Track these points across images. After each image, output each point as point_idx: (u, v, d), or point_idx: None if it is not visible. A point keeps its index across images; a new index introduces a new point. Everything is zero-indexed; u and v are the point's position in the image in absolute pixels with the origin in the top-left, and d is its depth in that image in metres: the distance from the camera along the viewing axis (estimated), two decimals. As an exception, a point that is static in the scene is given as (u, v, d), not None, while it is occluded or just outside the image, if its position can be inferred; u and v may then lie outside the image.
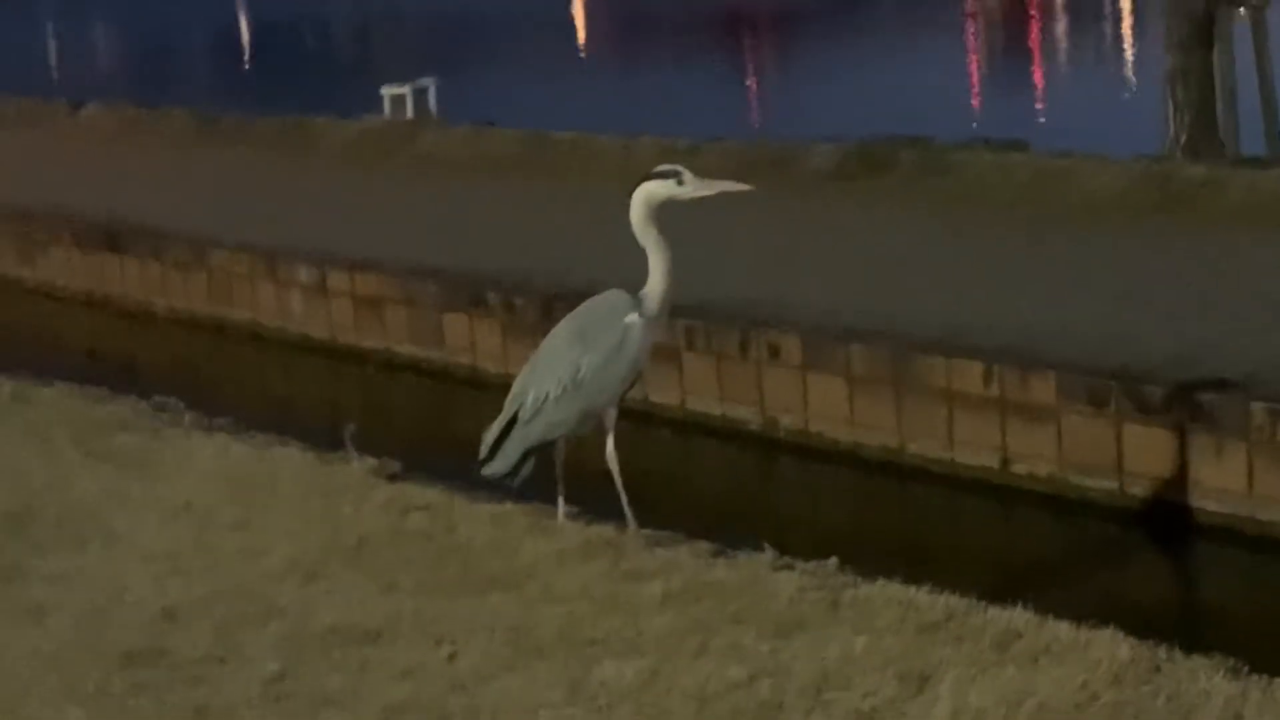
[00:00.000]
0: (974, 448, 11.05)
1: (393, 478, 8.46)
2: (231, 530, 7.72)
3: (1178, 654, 5.63)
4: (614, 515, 7.61)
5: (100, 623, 6.77)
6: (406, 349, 15.11)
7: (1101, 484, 10.44)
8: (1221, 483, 9.89)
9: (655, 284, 7.41)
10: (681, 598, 6.49)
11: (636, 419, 7.46)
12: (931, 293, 12.99)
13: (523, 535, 7.39)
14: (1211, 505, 9.96)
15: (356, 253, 16.29)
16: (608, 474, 7.35)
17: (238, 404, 12.06)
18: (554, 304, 13.73)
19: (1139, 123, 20.42)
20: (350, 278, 15.69)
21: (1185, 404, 10.05)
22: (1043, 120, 28.41)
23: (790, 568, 6.88)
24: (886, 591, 6.40)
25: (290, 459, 8.83)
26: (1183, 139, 17.39)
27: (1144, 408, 10.20)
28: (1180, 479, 10.04)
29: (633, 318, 7.35)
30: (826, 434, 11.91)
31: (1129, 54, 38.94)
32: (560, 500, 7.64)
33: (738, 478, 12.19)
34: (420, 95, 26.80)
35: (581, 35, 54.05)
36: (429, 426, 13.55)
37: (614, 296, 7.48)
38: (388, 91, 26.74)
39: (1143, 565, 10.30)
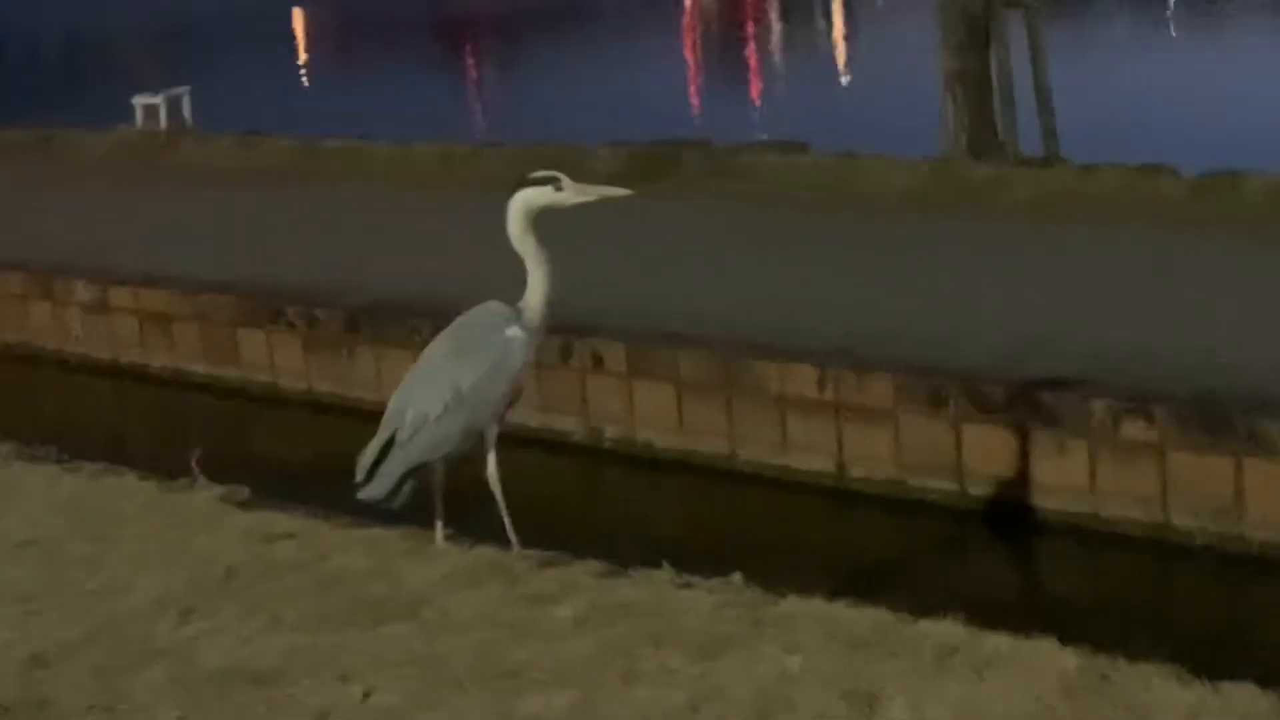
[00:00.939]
0: (809, 452, 10.94)
1: (244, 504, 8.06)
2: (85, 567, 7.26)
3: (1122, 662, 5.54)
4: (490, 536, 7.37)
5: (-38, 674, 6.29)
6: (199, 367, 14.55)
7: (942, 485, 10.40)
8: (1064, 481, 9.92)
9: (535, 295, 7.17)
10: (593, 620, 6.24)
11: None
12: (737, 294, 12.88)
13: (402, 560, 7.07)
14: (1053, 503, 9.99)
15: (132, 269, 15.67)
16: (477, 492, 7.13)
17: (37, 431, 11.41)
18: (358, 318, 13.40)
19: (902, 124, 20.66)
20: (134, 294, 15.06)
21: (1025, 402, 10.06)
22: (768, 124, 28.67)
23: (692, 586, 6.68)
24: (806, 607, 6.23)
25: (130, 488, 8.38)
26: (963, 140, 17.57)
27: (984, 407, 10.19)
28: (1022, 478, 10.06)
29: (513, 330, 7.10)
30: (655, 443, 11.72)
31: (845, 54, 39.72)
32: (438, 523, 7.35)
33: (566, 489, 11.93)
34: (174, 104, 26.08)
35: (302, 45, 53.31)
36: (249, 448, 13.04)
37: (492, 309, 7.21)
38: (140, 101, 25.96)
39: (995, 563, 10.31)
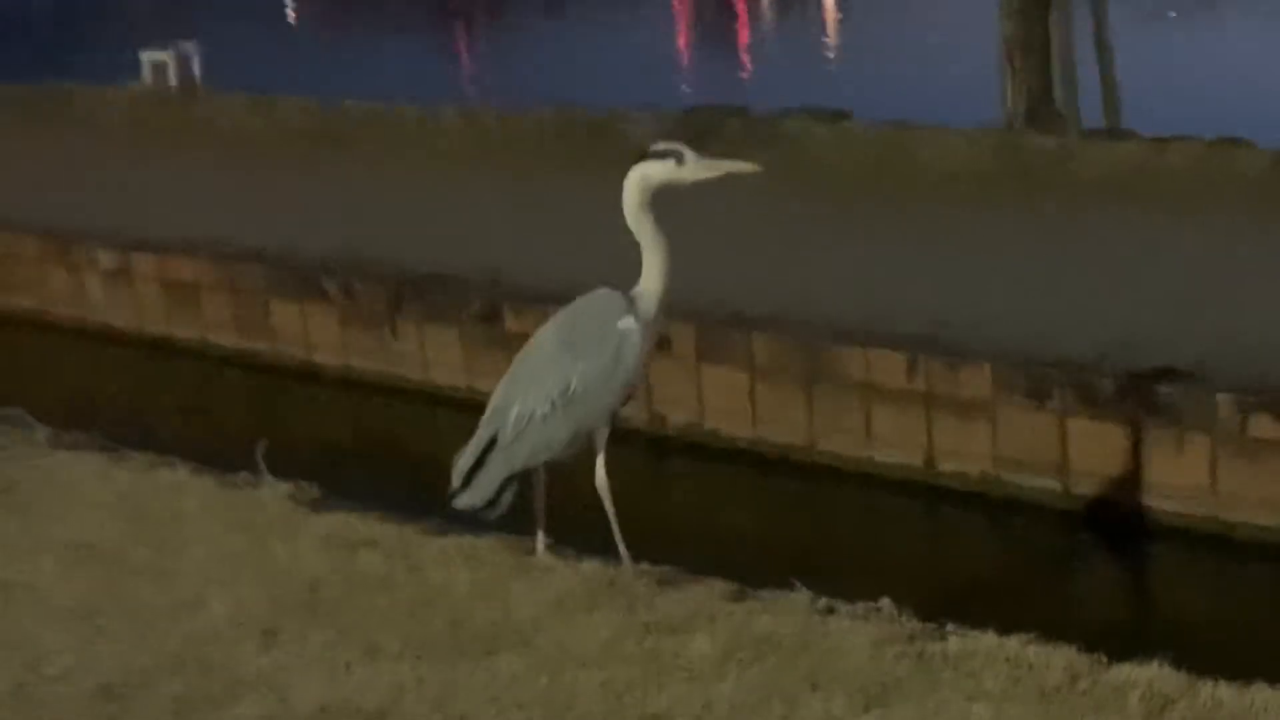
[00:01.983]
0: (895, 447, 10.24)
1: (315, 504, 7.33)
2: (150, 578, 6.53)
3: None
4: (593, 547, 6.67)
5: (23, 706, 5.56)
6: (229, 340, 13.80)
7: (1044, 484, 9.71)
8: (1182, 480, 9.22)
9: (651, 281, 6.43)
10: (736, 657, 5.52)
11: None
12: (801, 275, 12.14)
13: (506, 577, 6.34)
14: (1170, 505, 9.29)
15: (154, 234, 14.91)
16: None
17: (64, 409, 10.66)
18: (403, 292, 12.67)
19: (953, 93, 19.92)
20: (159, 262, 14.30)
21: (1140, 397, 9.35)
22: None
23: (835, 612, 5.96)
24: (979, 644, 5.51)
25: (187, 484, 7.63)
26: (1022, 110, 16.79)
27: (1092, 401, 9.48)
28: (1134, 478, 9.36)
29: (628, 322, 6.37)
30: (723, 432, 11.01)
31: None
32: (540, 533, 6.62)
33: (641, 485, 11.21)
34: (184, 61, 25.19)
35: (291, 6, 52.27)
36: (295, 431, 12.29)
37: (604, 298, 6.47)
38: (148, 57, 25.06)
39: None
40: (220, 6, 43.95)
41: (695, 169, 6.38)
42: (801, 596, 6.05)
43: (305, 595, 6.30)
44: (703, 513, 10.47)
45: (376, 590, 6.30)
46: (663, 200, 6.39)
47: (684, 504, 10.63)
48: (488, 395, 11.52)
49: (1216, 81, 20.89)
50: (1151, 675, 5.14)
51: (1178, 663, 5.20)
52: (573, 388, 6.30)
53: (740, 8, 41.61)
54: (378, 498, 7.79)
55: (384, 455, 11.74)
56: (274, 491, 7.41)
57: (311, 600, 6.25)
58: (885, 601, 5.97)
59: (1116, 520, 9.47)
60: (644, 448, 11.16)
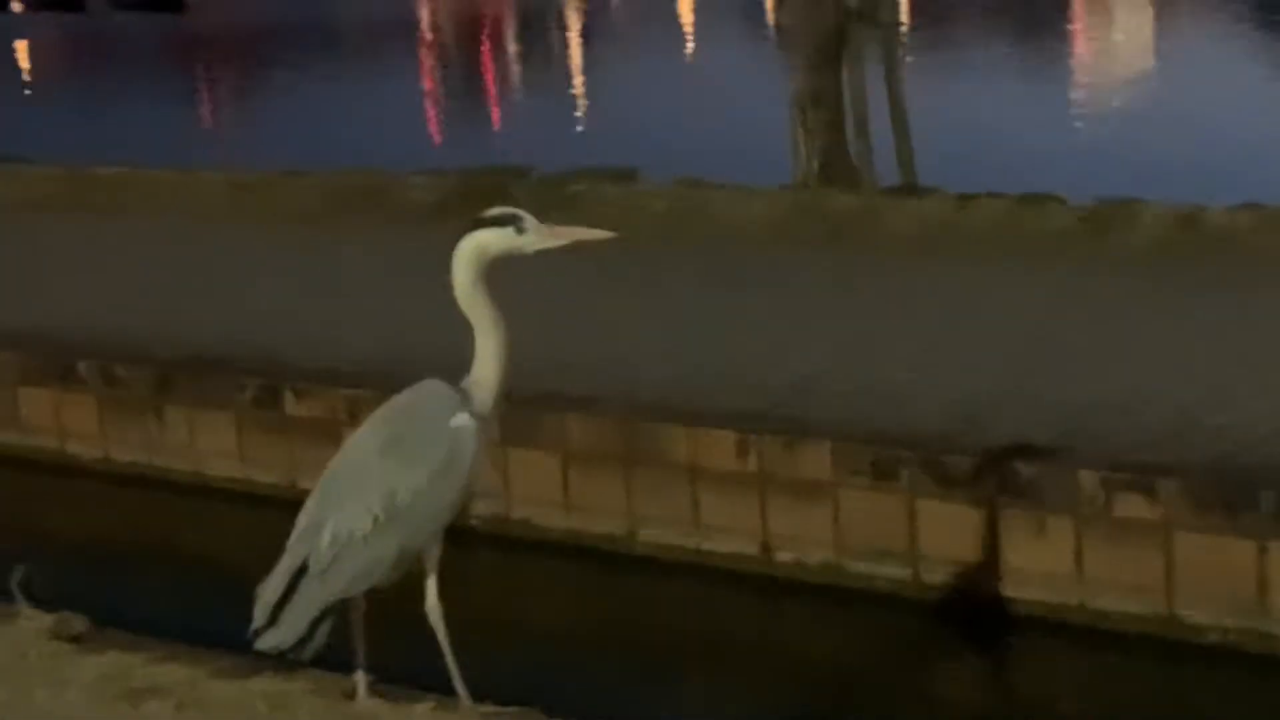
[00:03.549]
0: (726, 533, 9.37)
1: (79, 640, 6.21)
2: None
3: None
4: (421, 678, 5.69)
5: None
6: (-28, 434, 12.48)
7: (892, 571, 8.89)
8: (1044, 565, 8.46)
9: (486, 370, 5.49)
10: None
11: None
12: (602, 344, 11.26)
13: (323, 728, 5.30)
14: (1032, 593, 8.52)
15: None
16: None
17: None
18: (170, 375, 11.50)
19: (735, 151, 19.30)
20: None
21: (995, 476, 8.59)
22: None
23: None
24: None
25: (-73, 619, 6.44)
26: (815, 166, 16.15)
27: (944, 480, 8.70)
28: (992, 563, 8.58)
29: (461, 419, 5.42)
30: (535, 521, 10.05)
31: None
32: (360, 672, 5.60)
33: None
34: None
35: (27, 70, 50.31)
36: (51, 534, 11.02)
37: (432, 391, 5.51)
38: None
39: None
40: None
41: (538, 238, 5.47)
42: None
43: (78, 760, 5.20)
44: (517, 615, 9.48)
45: (166, 751, 5.23)
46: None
47: (494, 605, 9.60)
48: (266, 488, 10.53)
49: (1012, 139, 20.54)
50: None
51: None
52: (399, 500, 5.31)
53: (487, 69, 41.00)
54: (159, 623, 6.71)
55: (159, 563, 10.54)
56: (33, 625, 6.27)
57: (86, 767, 5.16)
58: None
59: (974, 610, 8.69)
60: (446, 543, 10.13)
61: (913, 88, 17.03)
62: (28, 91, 43.12)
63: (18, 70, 47.12)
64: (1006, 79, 29.13)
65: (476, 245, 5.44)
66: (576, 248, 5.63)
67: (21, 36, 53.99)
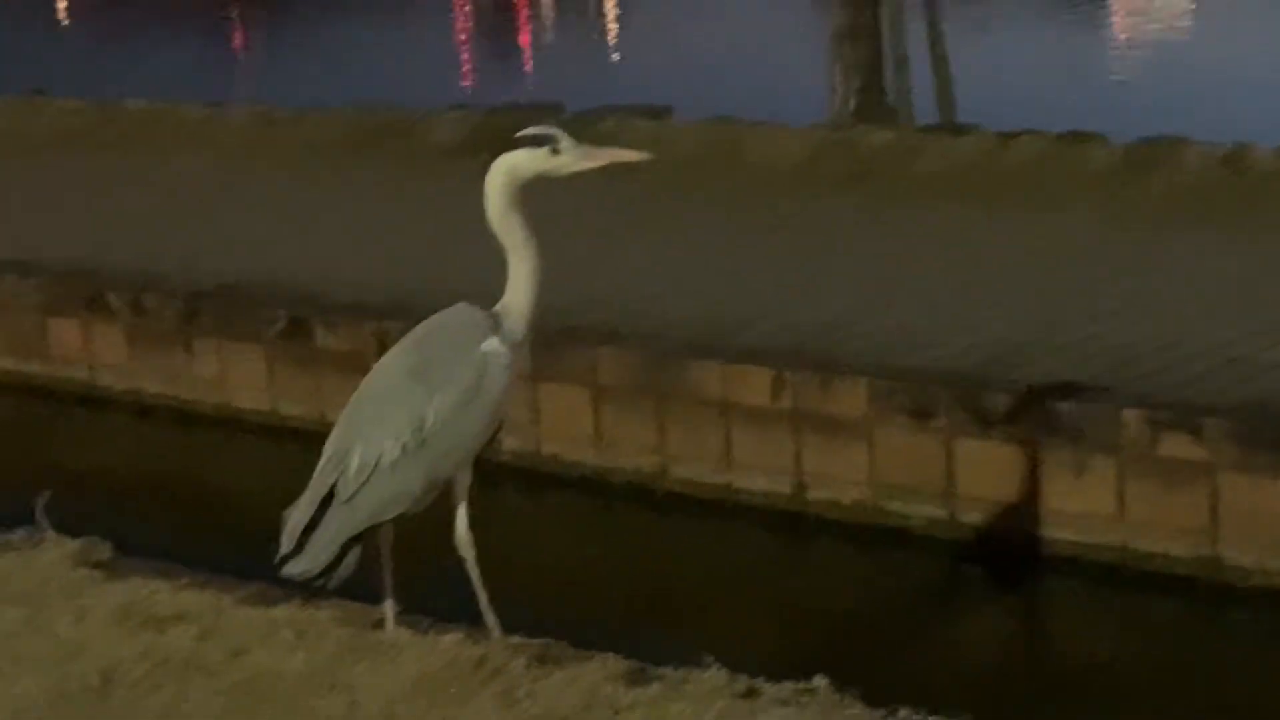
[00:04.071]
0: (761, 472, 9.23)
1: (107, 567, 6.10)
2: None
3: None
4: (453, 613, 5.57)
5: None
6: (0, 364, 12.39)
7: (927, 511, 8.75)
8: (1084, 506, 8.30)
9: (519, 295, 5.34)
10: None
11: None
12: (635, 283, 11.10)
13: (348, 656, 5.18)
14: (1071, 534, 8.37)
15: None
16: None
17: None
18: (198, 306, 11.39)
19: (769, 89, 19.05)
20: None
21: (1035, 414, 8.42)
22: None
23: (758, 694, 4.90)
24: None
25: (-53, 546, 6.34)
26: (852, 104, 15.98)
27: (982, 419, 8.54)
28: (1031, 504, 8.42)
29: (491, 344, 5.27)
30: (564, 457, 9.92)
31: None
32: (388, 602, 5.48)
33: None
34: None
35: (63, 8, 50.16)
36: (76, 465, 10.92)
37: (462, 315, 5.36)
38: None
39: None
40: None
41: (573, 158, 5.33)
42: (715, 675, 4.97)
43: (97, 686, 5.09)
44: (546, 553, 9.36)
45: (189, 678, 5.12)
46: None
47: (523, 541, 9.48)
48: (295, 420, 10.41)
49: (1050, 78, 20.22)
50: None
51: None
52: (427, 426, 5.17)
53: (521, 6, 40.62)
54: (183, 554, 6.60)
55: (186, 496, 10.43)
56: (59, 552, 6.16)
57: (105, 692, 5.05)
58: (820, 681, 4.92)
59: (1011, 552, 8.53)
60: (475, 477, 10.01)
61: (953, 26, 16.77)
62: (62, 25, 43.05)
63: (52, 7, 46.96)
64: (1050, 16, 28.74)
65: (510, 166, 5.30)
66: (612, 169, 5.47)
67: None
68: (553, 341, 9.68)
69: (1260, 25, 24.27)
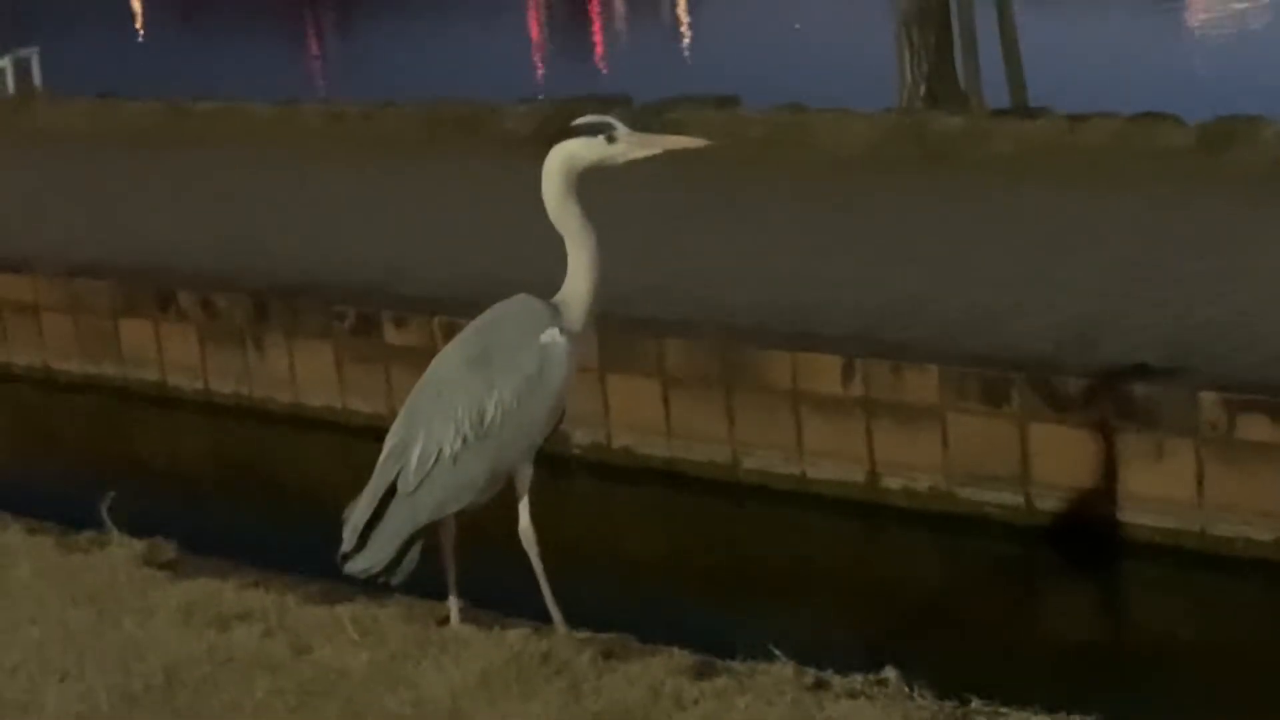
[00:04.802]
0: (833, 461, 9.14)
1: (172, 567, 6.09)
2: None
3: None
4: (517, 608, 5.52)
5: None
6: (74, 365, 12.42)
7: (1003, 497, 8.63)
8: (1163, 490, 8.17)
9: (578, 284, 5.28)
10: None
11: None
12: (706, 272, 11.02)
13: (416, 655, 5.14)
14: (1150, 519, 8.23)
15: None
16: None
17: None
18: (267, 304, 11.39)
19: (840, 76, 18.95)
20: (-10, 281, 12.89)
21: (1111, 398, 8.29)
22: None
23: (827, 687, 4.82)
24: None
25: (20, 545, 6.39)
26: (922, 89, 15.78)
27: (1056, 404, 8.42)
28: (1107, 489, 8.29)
29: (551, 334, 5.21)
30: (636, 450, 9.86)
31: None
32: (452, 597, 5.44)
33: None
34: (22, 66, 23.66)
35: (139, 9, 50.44)
36: (148, 467, 10.96)
37: (521, 306, 5.31)
38: (-19, 65, 23.50)
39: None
40: (64, 13, 42.15)
41: (630, 146, 5.25)
42: (783, 668, 4.90)
43: (163, 684, 5.07)
44: (621, 547, 9.33)
45: (253, 676, 5.09)
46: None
47: (597, 537, 9.45)
48: (365, 417, 10.39)
49: (1121, 61, 19.96)
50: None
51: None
52: (489, 418, 5.12)
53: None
54: (249, 553, 6.57)
55: (253, 495, 10.44)
56: (125, 552, 6.16)
57: (169, 691, 5.03)
58: (891, 672, 4.83)
59: (1089, 537, 8.41)
60: (545, 471, 9.95)
61: (1022, 7, 16.56)
62: (137, 30, 43.36)
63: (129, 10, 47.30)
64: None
65: (566, 155, 5.25)
66: (677, 156, 5.40)
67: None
68: (622, 330, 9.66)
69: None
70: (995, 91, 15.99)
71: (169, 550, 6.21)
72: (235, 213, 14.21)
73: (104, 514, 6.32)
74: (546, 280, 5.44)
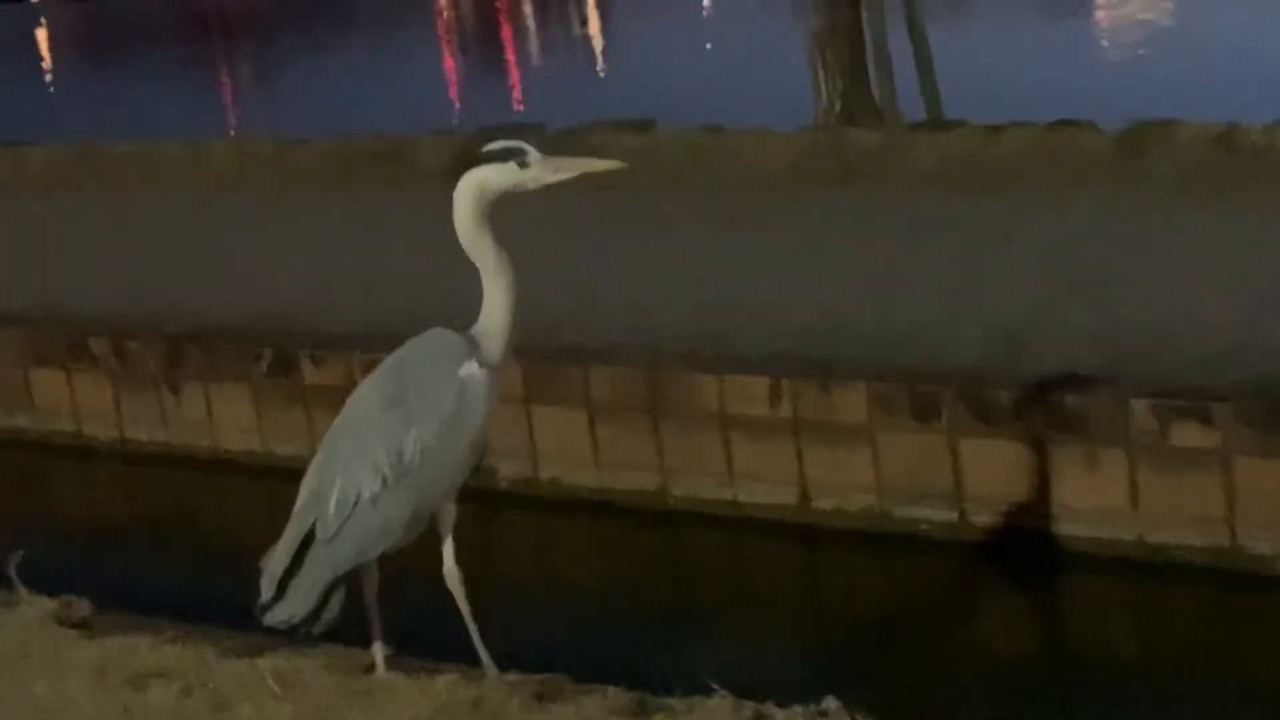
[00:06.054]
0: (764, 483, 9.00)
1: (83, 625, 5.87)
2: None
3: None
4: (444, 651, 5.35)
5: None
6: (-16, 417, 12.17)
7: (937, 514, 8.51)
8: (1097, 501, 8.07)
9: (495, 315, 5.13)
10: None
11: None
12: (629, 297, 10.87)
13: (338, 704, 4.96)
14: (1085, 530, 8.13)
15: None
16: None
17: None
18: (182, 348, 11.17)
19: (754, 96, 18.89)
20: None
21: (1041, 409, 8.20)
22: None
23: (767, 719, 4.67)
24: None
25: (-76, 610, 6.12)
26: (837, 106, 15.73)
27: (986, 417, 8.31)
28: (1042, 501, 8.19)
29: (469, 368, 5.05)
30: (563, 481, 9.70)
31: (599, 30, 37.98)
32: (377, 644, 5.26)
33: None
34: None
35: (46, 52, 50.10)
36: (61, 518, 10.69)
37: (437, 341, 5.15)
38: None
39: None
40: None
41: (544, 171, 5.10)
42: (721, 702, 4.76)
43: (80, 753, 4.86)
44: (552, 582, 9.15)
45: (172, 738, 4.89)
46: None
47: (527, 571, 9.28)
48: (286, 459, 10.17)
49: (1033, 70, 19.99)
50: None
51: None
52: (408, 457, 4.95)
53: (504, 30, 40.65)
54: (168, 606, 6.37)
55: (172, 546, 10.19)
56: (35, 611, 5.94)
57: (89, 759, 4.82)
58: (832, 702, 4.69)
59: (1025, 550, 8.30)
60: (473, 507, 9.77)
61: (932, 21, 16.56)
62: (46, 75, 42.94)
63: (36, 54, 46.91)
64: (1029, 7, 28.56)
65: (477, 183, 5.09)
66: (588, 181, 5.26)
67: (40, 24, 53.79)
68: (545, 360, 9.51)
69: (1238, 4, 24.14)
70: (910, 106, 16.00)
71: (83, 608, 6.00)
72: (147, 256, 13.96)
73: (12, 573, 6.10)
74: (468, 312, 5.28)
